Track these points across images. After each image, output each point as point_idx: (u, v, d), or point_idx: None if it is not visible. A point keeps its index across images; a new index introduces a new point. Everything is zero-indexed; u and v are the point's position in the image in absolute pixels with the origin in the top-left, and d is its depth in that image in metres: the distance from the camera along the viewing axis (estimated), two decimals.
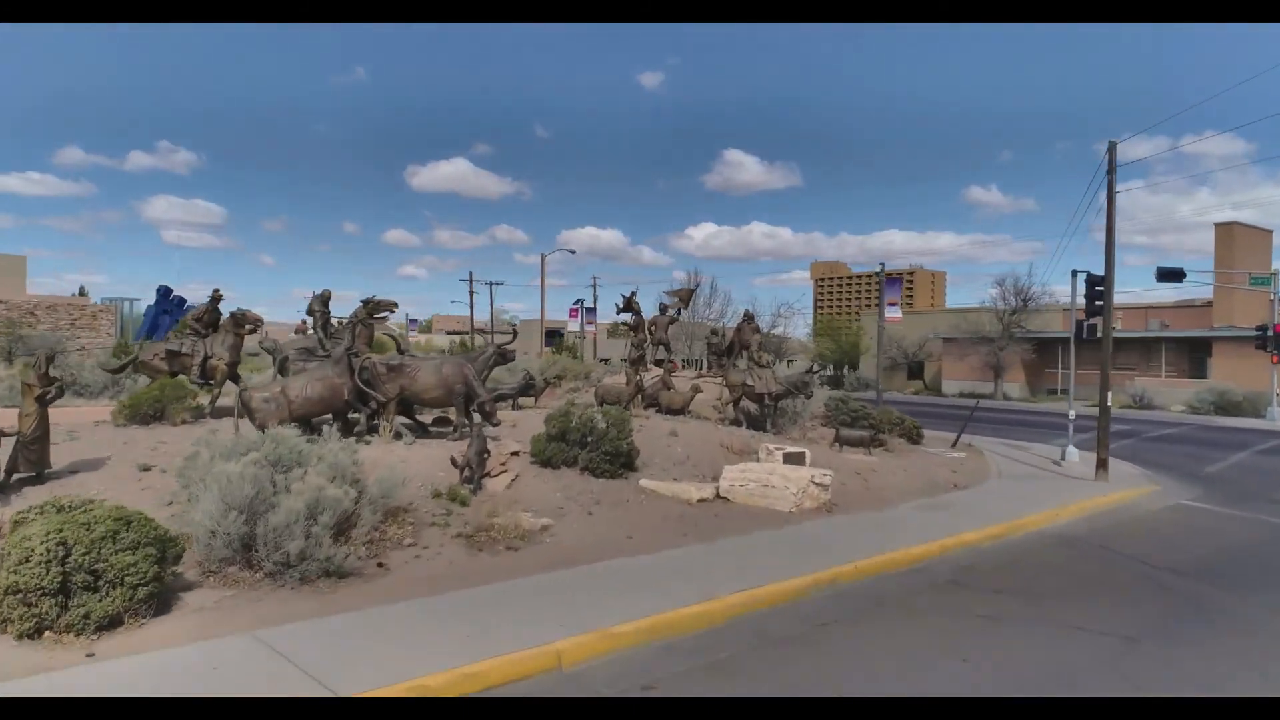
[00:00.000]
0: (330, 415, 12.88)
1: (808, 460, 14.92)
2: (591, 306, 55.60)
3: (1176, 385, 40.55)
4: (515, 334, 15.58)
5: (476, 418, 13.77)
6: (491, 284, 66.59)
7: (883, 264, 28.04)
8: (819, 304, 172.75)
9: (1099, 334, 19.21)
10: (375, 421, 13.32)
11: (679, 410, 18.19)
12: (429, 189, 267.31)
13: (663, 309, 22.19)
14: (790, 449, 15.07)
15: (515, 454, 13.14)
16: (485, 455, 11.91)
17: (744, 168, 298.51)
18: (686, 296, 23.18)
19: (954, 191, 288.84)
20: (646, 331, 21.21)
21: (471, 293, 65.51)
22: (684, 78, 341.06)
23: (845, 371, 58.09)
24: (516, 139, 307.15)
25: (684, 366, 44.18)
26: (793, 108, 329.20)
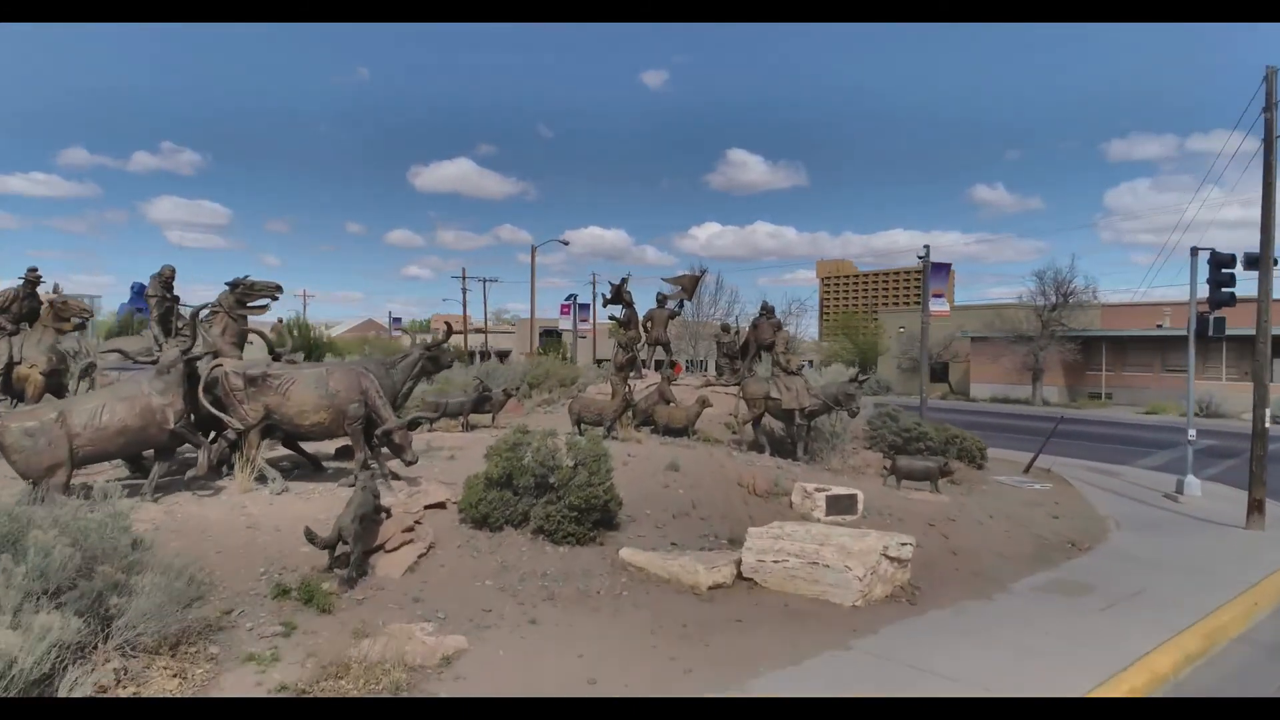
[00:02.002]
0: (153, 452, 8.61)
1: (860, 505, 10.66)
2: (587, 304, 51.06)
3: (1241, 390, 36.09)
4: (450, 332, 11.34)
5: (387, 453, 9.55)
6: (485, 281, 62.81)
7: (927, 247, 23.61)
8: (825, 303, 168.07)
9: (1226, 330, 14.89)
10: (234, 457, 9.08)
11: (681, 430, 13.92)
12: (432, 189, 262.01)
13: (661, 300, 17.77)
14: (836, 490, 10.81)
15: (439, 506, 8.86)
16: (378, 518, 7.64)
17: (748, 167, 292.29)
18: (690, 285, 18.65)
19: (959, 190, 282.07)
20: (640, 328, 16.89)
21: (464, 290, 61.52)
22: (688, 77, 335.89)
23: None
24: (520, 139, 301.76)
25: (688, 369, 39.73)
26: (797, 107, 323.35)
